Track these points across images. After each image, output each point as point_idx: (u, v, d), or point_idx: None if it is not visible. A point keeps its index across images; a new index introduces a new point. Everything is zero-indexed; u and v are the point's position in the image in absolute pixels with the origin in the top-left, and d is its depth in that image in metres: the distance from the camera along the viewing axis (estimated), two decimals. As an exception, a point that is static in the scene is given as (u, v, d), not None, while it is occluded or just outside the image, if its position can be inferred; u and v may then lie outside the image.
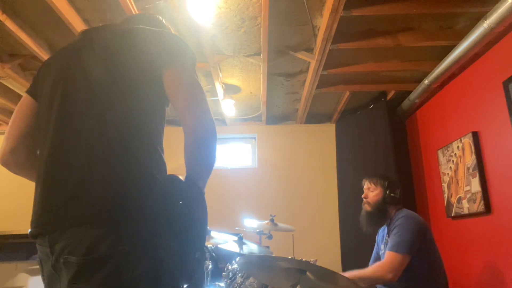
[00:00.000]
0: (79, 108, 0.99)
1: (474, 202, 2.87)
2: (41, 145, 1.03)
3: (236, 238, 2.46)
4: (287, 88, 3.77)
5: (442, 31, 2.80)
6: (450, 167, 3.25)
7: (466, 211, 2.99)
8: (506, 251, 2.56)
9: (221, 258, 2.61)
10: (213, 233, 2.39)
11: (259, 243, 2.84)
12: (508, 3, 2.14)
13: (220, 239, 2.43)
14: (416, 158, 4.03)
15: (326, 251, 4.10)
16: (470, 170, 2.93)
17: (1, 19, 2.39)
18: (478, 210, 2.82)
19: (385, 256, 2.17)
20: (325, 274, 1.71)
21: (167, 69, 1.03)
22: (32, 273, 2.50)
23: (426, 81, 3.25)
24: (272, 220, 2.72)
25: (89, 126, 0.96)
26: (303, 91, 3.70)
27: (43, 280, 0.97)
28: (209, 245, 2.29)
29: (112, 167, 0.92)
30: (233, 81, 3.61)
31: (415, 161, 4.07)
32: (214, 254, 2.34)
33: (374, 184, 2.43)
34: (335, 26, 2.50)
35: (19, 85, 3.30)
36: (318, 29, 2.70)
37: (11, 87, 3.47)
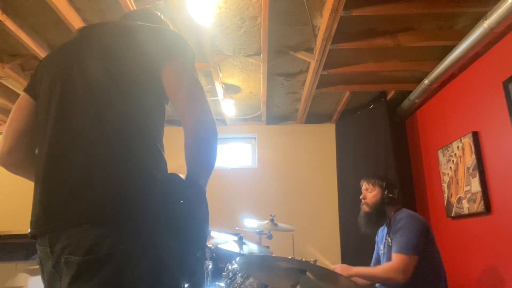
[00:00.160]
0: (78, 107, 0.98)
1: (474, 202, 2.87)
2: (39, 145, 1.02)
3: (236, 238, 2.46)
4: (287, 88, 3.77)
5: (442, 31, 2.80)
6: (450, 167, 3.25)
7: (466, 211, 2.99)
8: (506, 251, 2.56)
9: (221, 258, 2.61)
10: (213, 233, 2.39)
11: (259, 243, 2.84)
12: (508, 3, 2.14)
13: (220, 239, 2.43)
14: (416, 158, 4.03)
15: (326, 251, 4.10)
16: (470, 170, 2.93)
17: (1, 19, 2.39)
18: (478, 210, 2.82)
19: (393, 258, 2.15)
20: (325, 274, 1.71)
21: (166, 66, 1.02)
22: (32, 273, 2.50)
23: (426, 81, 3.25)
24: (272, 220, 2.72)
25: (89, 125, 0.95)
26: (303, 91, 3.70)
27: (43, 280, 0.96)
28: (209, 245, 2.29)
29: (112, 167, 0.91)
30: (233, 81, 3.61)
31: (415, 161, 4.07)
32: (214, 254, 2.34)
33: (372, 185, 2.43)
34: (335, 26, 2.50)
35: (19, 85, 3.30)
36: (318, 29, 2.70)
37: (11, 87, 3.48)
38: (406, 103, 3.81)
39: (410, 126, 4.17)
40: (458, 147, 3.11)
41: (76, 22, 2.45)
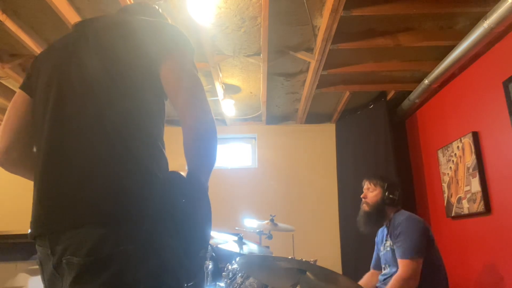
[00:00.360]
0: (77, 106, 0.96)
1: (474, 202, 2.87)
2: (37, 143, 1.00)
3: (236, 238, 2.46)
4: (287, 88, 3.77)
5: (442, 31, 2.80)
6: (450, 167, 3.25)
7: (466, 211, 2.99)
8: (506, 251, 2.56)
9: (221, 258, 2.61)
10: (213, 233, 2.39)
11: (259, 243, 2.84)
12: (508, 3, 2.14)
13: (220, 239, 2.43)
14: (416, 158, 4.03)
15: (326, 251, 4.10)
16: (470, 170, 2.93)
17: (1, 19, 2.39)
18: (478, 210, 2.82)
19: (399, 265, 2.15)
20: (325, 274, 1.71)
21: (164, 64, 1.00)
22: (32, 273, 2.50)
23: (426, 81, 3.25)
24: (272, 220, 2.72)
25: (89, 125, 0.94)
26: (303, 91, 3.70)
27: (43, 281, 0.96)
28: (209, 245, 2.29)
29: (112, 167, 0.90)
30: (233, 81, 3.61)
31: (415, 161, 4.07)
32: (214, 254, 2.34)
33: (374, 185, 2.44)
34: (335, 26, 2.50)
35: (19, 85, 3.30)
36: (318, 29, 2.70)
37: (11, 87, 3.48)
38: (406, 103, 3.81)
39: (410, 126, 4.17)
40: (458, 147, 3.11)
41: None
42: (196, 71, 1.05)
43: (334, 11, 2.32)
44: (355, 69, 3.29)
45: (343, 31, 2.72)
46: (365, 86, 3.71)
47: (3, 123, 1.11)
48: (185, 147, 0.96)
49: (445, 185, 3.33)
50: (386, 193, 2.37)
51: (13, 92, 3.55)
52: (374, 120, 3.98)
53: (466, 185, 2.98)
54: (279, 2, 2.38)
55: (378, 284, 2.39)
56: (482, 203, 2.76)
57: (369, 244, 2.69)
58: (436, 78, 3.13)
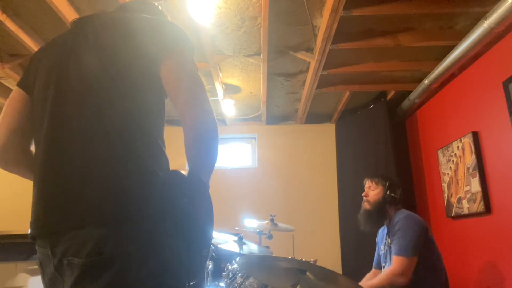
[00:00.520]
0: (75, 105, 0.95)
1: (474, 202, 2.87)
2: (36, 142, 0.99)
3: (236, 238, 2.46)
4: (287, 88, 3.77)
5: (442, 31, 2.80)
6: (450, 167, 3.25)
7: (466, 211, 2.99)
8: (506, 251, 2.56)
9: (221, 258, 2.61)
10: (213, 233, 2.39)
11: (259, 243, 2.84)
12: (508, 3, 2.14)
13: (220, 239, 2.43)
14: (416, 158, 4.03)
15: (326, 251, 4.10)
16: (470, 170, 2.93)
17: (1, 19, 2.39)
18: (478, 210, 2.82)
19: (393, 261, 2.17)
20: (325, 274, 1.71)
21: (164, 63, 0.99)
22: (32, 273, 2.50)
23: (426, 81, 3.25)
24: (272, 220, 2.72)
25: (89, 125, 0.93)
26: (303, 91, 3.70)
27: (44, 282, 0.95)
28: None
29: (112, 167, 0.90)
30: (233, 81, 3.61)
31: (415, 161, 4.07)
32: (214, 254, 2.34)
33: (375, 183, 2.45)
34: (335, 26, 2.50)
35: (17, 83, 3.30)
36: (318, 29, 2.70)
37: (11, 87, 3.47)
38: (406, 103, 3.81)
39: (410, 126, 4.17)
40: (458, 147, 3.11)
41: (76, 22, 2.44)
42: (197, 69, 1.04)
43: (334, 11, 2.32)
44: (355, 69, 3.29)
45: (343, 31, 2.71)
46: (365, 86, 3.71)
47: (0, 121, 1.09)
48: (186, 147, 0.95)
49: (445, 185, 3.33)
50: (388, 192, 2.38)
51: (13, 92, 3.56)
52: (374, 120, 3.98)
53: (466, 185, 2.98)
54: (279, 2, 2.38)
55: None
56: (482, 203, 2.76)
57: (369, 244, 2.69)
58: (436, 78, 3.13)
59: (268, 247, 3.05)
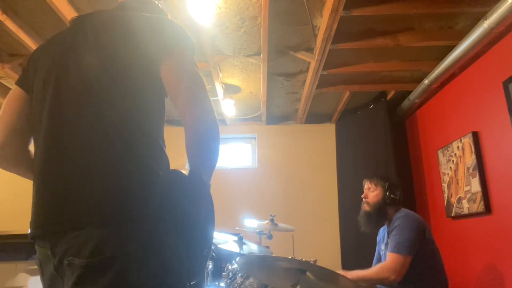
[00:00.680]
0: (75, 105, 0.95)
1: (474, 202, 2.87)
2: (35, 142, 0.99)
3: (236, 238, 2.46)
4: (287, 88, 3.77)
5: (442, 31, 2.80)
6: (450, 167, 3.25)
7: (466, 211, 2.99)
8: (506, 251, 2.56)
9: (221, 258, 2.61)
10: (213, 233, 2.39)
11: (259, 243, 2.84)
12: (508, 3, 2.14)
13: (220, 239, 2.43)
14: (416, 158, 4.03)
15: (326, 251, 4.10)
16: (470, 170, 2.93)
17: (1, 19, 2.39)
18: (478, 210, 2.82)
19: (387, 257, 2.18)
20: (325, 274, 1.71)
21: (165, 62, 0.98)
22: (32, 273, 2.50)
23: (426, 81, 3.25)
24: (272, 220, 2.72)
25: (88, 124, 0.92)
26: (303, 91, 3.70)
27: (43, 282, 0.95)
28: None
29: (112, 167, 0.89)
30: (233, 81, 3.61)
31: (415, 161, 4.07)
32: (214, 254, 2.34)
33: (375, 185, 2.44)
34: (335, 26, 2.50)
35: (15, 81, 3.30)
36: (318, 29, 2.70)
37: (11, 87, 3.47)
38: (406, 103, 3.81)
39: (410, 126, 4.17)
40: (458, 147, 3.11)
41: (76, 22, 2.45)
42: (197, 69, 1.03)
43: (334, 11, 2.32)
44: (355, 69, 3.29)
45: (343, 31, 2.71)
46: (365, 86, 3.71)
47: None
48: (186, 147, 0.95)
49: (445, 185, 3.33)
50: (387, 193, 2.37)
51: (13, 92, 3.56)
52: (374, 120, 3.98)
53: (466, 185, 2.98)
54: (279, 2, 2.38)
55: (378, 286, 2.38)
56: (482, 203, 2.76)
57: (369, 244, 2.69)
58: (436, 78, 3.13)
59: (268, 247, 3.05)
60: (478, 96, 2.89)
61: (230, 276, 2.19)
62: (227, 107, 3.84)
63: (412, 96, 3.61)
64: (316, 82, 3.38)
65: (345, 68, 3.28)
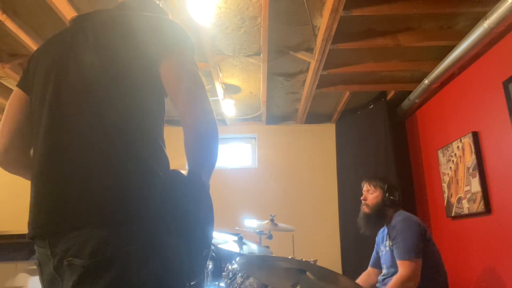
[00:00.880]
0: (75, 105, 0.95)
1: (474, 202, 2.87)
2: (34, 142, 0.99)
3: (236, 238, 2.46)
4: (287, 88, 3.77)
5: (442, 31, 2.80)
6: (450, 167, 3.25)
7: (466, 211, 2.99)
8: (506, 251, 2.56)
9: (221, 258, 2.61)
10: (213, 233, 2.39)
11: (259, 243, 2.84)
12: (508, 3, 2.14)
13: (220, 239, 2.43)
14: (416, 158, 4.03)
15: (326, 251, 4.10)
16: (470, 170, 2.93)
17: (1, 19, 2.39)
18: (478, 210, 2.82)
19: (399, 266, 2.16)
20: (325, 274, 1.71)
21: (165, 62, 0.98)
22: (32, 273, 2.50)
23: (426, 81, 3.25)
24: (272, 220, 2.72)
25: (87, 124, 0.92)
26: (303, 91, 3.70)
27: (42, 282, 0.94)
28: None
29: (112, 166, 0.89)
30: (233, 81, 3.61)
31: (415, 161, 4.07)
32: (214, 254, 2.34)
33: (374, 187, 2.43)
34: (335, 26, 2.50)
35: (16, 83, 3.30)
36: (318, 29, 2.70)
37: (11, 87, 3.47)
38: (406, 103, 3.81)
39: (410, 126, 4.17)
40: (458, 147, 3.11)
41: (76, 22, 2.45)
42: (197, 69, 1.03)
43: (334, 11, 2.32)
44: (355, 69, 3.29)
45: (343, 31, 2.71)
46: (365, 86, 3.71)
47: (1, 123, 1.09)
48: (186, 147, 0.95)
49: (445, 185, 3.33)
50: (386, 195, 2.37)
51: (13, 92, 3.56)
52: (374, 120, 3.98)
53: (466, 185, 2.98)
54: (279, 2, 2.38)
55: (377, 285, 2.39)
56: (482, 203, 2.76)
57: (369, 244, 2.69)
58: (436, 78, 3.13)
59: (268, 247, 3.05)
60: (478, 96, 2.89)
61: (230, 276, 2.19)
62: (227, 107, 3.84)
63: (412, 96, 3.61)
64: (316, 82, 3.38)
65: (345, 68, 3.28)
